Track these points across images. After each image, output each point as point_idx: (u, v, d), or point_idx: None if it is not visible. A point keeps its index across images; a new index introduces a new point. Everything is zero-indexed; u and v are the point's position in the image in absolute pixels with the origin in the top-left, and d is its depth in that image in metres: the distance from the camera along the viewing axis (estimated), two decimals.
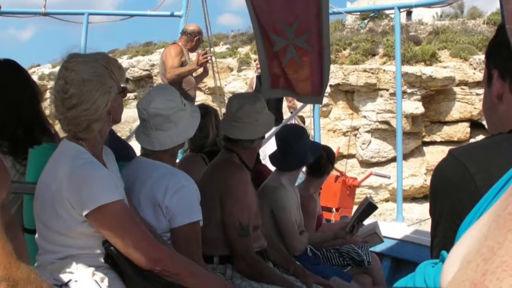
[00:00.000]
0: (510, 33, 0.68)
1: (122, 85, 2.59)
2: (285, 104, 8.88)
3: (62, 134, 3.36)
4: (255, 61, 7.75)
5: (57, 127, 3.06)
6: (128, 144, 3.95)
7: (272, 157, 4.25)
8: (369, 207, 4.45)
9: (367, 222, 4.73)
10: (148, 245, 2.43)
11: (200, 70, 7.39)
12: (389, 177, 11.04)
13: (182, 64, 7.27)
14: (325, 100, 18.84)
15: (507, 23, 0.69)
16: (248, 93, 6.12)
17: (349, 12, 11.63)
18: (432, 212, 1.58)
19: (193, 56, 7.77)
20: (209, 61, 7.36)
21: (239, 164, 3.53)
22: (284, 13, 4.71)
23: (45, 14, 9.25)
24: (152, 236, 2.54)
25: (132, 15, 10.22)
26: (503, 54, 1.54)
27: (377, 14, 10.29)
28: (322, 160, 4.58)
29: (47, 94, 23.78)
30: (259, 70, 7.43)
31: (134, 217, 2.52)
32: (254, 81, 8.18)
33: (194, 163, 4.18)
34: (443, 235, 1.50)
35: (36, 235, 2.53)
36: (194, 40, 7.50)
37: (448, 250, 0.97)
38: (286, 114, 8.86)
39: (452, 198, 1.47)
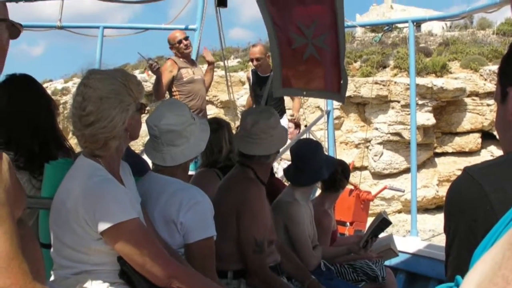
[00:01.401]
0: None
1: (140, 102, 2.58)
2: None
3: (77, 149, 3.36)
4: (252, 61, 7.62)
5: (72, 141, 3.06)
6: (143, 159, 3.93)
7: (287, 172, 4.22)
8: (383, 223, 4.44)
9: (381, 235, 4.71)
10: (163, 262, 2.42)
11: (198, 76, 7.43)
12: (403, 191, 11.00)
13: (173, 78, 7.30)
14: (337, 113, 18.87)
15: None
16: (261, 108, 6.10)
17: (363, 26, 11.61)
18: (446, 229, 1.56)
19: (203, 68, 7.77)
20: (154, 67, 7.35)
21: (255, 179, 3.51)
22: (301, 17, 4.77)
23: (61, 28, 9.32)
24: (168, 252, 2.53)
25: (146, 29, 10.23)
26: None
27: (391, 27, 10.26)
28: (337, 175, 4.56)
29: (60, 109, 24.04)
30: (255, 63, 7.54)
31: (150, 234, 2.50)
32: (250, 75, 8.02)
33: (208, 178, 4.12)
34: (457, 253, 1.49)
35: (51, 250, 2.51)
36: (177, 45, 7.40)
37: (462, 269, 1.01)
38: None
39: (467, 216, 1.46)
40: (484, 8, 6.82)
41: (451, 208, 1.55)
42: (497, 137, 1.73)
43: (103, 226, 2.29)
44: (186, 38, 7.53)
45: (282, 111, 7.42)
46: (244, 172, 3.55)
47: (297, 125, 8.78)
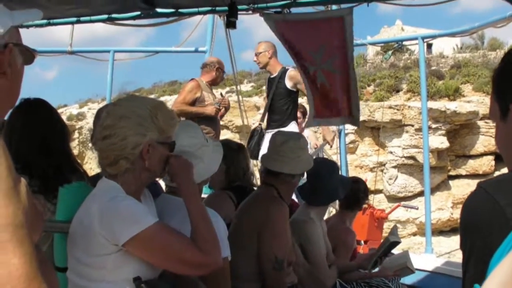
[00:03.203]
0: None
1: (170, 137, 2.56)
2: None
3: (91, 173, 3.41)
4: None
5: (87, 167, 3.10)
6: (157, 182, 3.92)
7: (302, 191, 4.24)
8: (392, 244, 4.46)
9: (397, 251, 4.71)
10: (199, 247, 2.40)
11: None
12: (417, 208, 10.90)
13: (196, 100, 7.14)
14: (352, 137, 18.94)
15: None
16: (291, 131, 6.12)
17: (373, 44, 11.65)
18: (463, 246, 1.53)
19: (217, 93, 7.70)
20: (223, 109, 7.24)
21: (278, 198, 3.53)
22: (309, 42, 4.86)
23: (72, 53, 9.44)
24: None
25: (157, 52, 10.31)
26: None
27: (401, 45, 10.29)
28: (359, 193, 4.61)
29: (76, 134, 24.16)
30: (254, 58, 7.36)
31: (175, 230, 2.44)
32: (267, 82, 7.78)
33: (221, 200, 4.08)
34: (475, 269, 1.45)
35: (68, 271, 2.48)
36: (214, 71, 7.37)
37: (480, 284, 0.96)
38: None
39: (483, 231, 1.42)
40: (493, 23, 6.84)
41: (467, 223, 1.53)
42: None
43: (125, 238, 2.27)
44: (224, 71, 7.57)
45: (292, 116, 7.18)
46: (268, 191, 3.58)
47: (304, 114, 8.09)
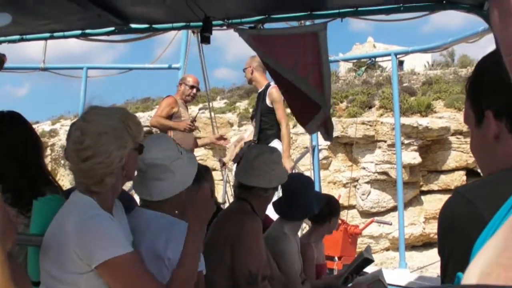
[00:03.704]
0: (510, 65, 0.68)
1: (139, 142, 2.59)
2: None
3: (66, 187, 3.37)
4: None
5: (60, 183, 3.05)
6: (132, 197, 3.87)
7: (277, 205, 4.23)
8: (364, 261, 4.47)
9: (371, 270, 4.72)
10: None
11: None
12: (390, 224, 10.94)
13: (172, 115, 7.33)
14: (325, 153, 19.01)
15: (507, 55, 0.68)
16: (264, 145, 6.13)
17: (346, 60, 11.74)
18: (441, 251, 1.52)
19: (192, 111, 7.77)
20: (194, 128, 7.40)
21: (252, 213, 3.53)
22: (284, 57, 4.91)
23: (45, 69, 9.40)
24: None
25: (130, 69, 10.32)
26: (497, 92, 1.50)
27: (374, 61, 10.38)
28: (324, 209, 4.61)
29: (48, 151, 23.89)
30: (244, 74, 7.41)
31: (146, 267, 2.46)
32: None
33: None
34: (454, 274, 1.39)
35: (40, 285, 2.47)
36: (188, 90, 7.53)
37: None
38: None
39: (462, 236, 1.40)
40: (466, 38, 6.93)
41: (445, 229, 1.52)
42: (480, 170, 1.70)
43: (97, 261, 2.27)
44: (199, 90, 7.71)
45: (274, 134, 7.11)
46: (242, 205, 3.58)
47: None
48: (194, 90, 7.61)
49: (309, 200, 4.16)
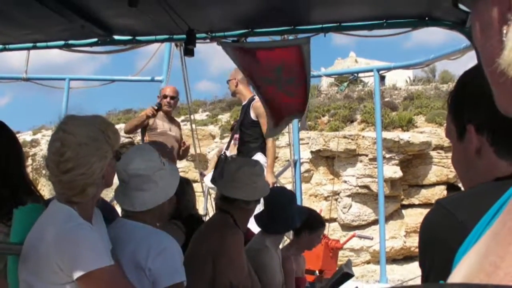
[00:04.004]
0: (491, 77, 0.68)
1: (116, 150, 2.58)
2: None
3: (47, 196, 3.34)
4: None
5: (42, 192, 3.02)
6: (113, 207, 3.86)
7: (258, 219, 4.23)
8: (344, 276, 4.48)
9: (348, 286, 4.72)
10: None
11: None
12: (371, 238, 10.99)
13: (147, 126, 7.30)
14: (307, 166, 19.06)
15: (488, 67, 0.68)
16: (247, 158, 6.13)
17: (329, 75, 11.82)
18: (422, 263, 1.50)
19: (181, 123, 7.72)
20: (154, 116, 7.34)
21: (233, 225, 3.54)
22: (267, 65, 4.94)
23: (27, 80, 9.36)
24: None
25: (113, 80, 10.33)
26: (478, 106, 1.50)
27: (356, 77, 10.47)
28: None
29: (29, 161, 23.70)
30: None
31: (127, 280, 2.47)
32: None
33: (170, 229, 4.06)
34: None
35: None
36: (163, 100, 7.44)
37: None
38: None
39: (443, 247, 1.37)
40: (447, 55, 7.01)
41: (427, 240, 1.51)
42: (462, 187, 1.71)
43: (78, 273, 2.26)
44: (173, 98, 7.55)
45: (258, 147, 7.04)
46: (223, 218, 3.59)
47: None
48: (168, 99, 7.46)
49: (292, 213, 4.17)
